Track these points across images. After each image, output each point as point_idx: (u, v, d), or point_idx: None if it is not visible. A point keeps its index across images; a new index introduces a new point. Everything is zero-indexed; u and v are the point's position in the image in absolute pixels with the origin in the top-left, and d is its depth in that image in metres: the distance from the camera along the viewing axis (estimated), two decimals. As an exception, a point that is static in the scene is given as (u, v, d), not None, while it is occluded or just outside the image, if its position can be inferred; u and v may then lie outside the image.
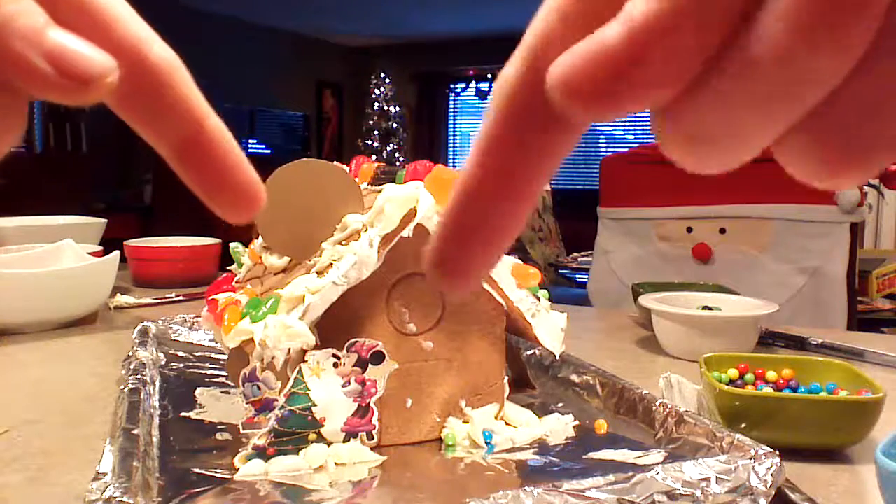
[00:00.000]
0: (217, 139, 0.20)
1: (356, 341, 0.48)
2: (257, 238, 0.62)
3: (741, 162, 0.15)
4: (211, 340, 0.75)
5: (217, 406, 0.56)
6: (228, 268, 0.68)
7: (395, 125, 6.24)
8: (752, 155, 0.15)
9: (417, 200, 0.48)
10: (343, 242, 0.49)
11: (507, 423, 0.52)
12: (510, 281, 0.52)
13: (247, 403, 0.47)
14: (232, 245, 0.68)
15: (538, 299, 0.53)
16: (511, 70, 0.16)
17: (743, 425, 0.50)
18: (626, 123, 6.18)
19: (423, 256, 0.17)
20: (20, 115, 0.18)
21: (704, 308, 0.81)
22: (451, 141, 7.06)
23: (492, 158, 0.16)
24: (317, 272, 0.48)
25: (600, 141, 6.59)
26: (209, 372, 0.65)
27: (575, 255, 3.10)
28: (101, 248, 1.08)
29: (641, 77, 0.13)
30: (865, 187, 1.42)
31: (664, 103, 0.14)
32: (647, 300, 0.80)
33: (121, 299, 1.00)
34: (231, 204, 0.20)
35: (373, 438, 0.48)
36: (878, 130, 0.14)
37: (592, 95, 0.13)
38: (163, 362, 0.67)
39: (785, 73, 0.13)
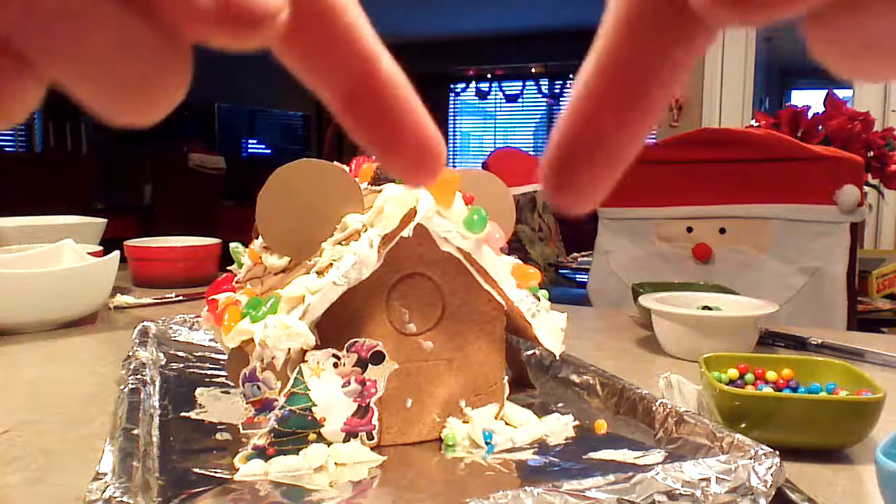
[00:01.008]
0: (391, 85, 0.17)
1: (356, 341, 0.48)
2: (257, 238, 0.62)
3: (891, 74, 0.13)
4: (211, 340, 0.75)
5: (217, 406, 0.56)
6: (228, 268, 0.68)
7: (395, 125, 6.23)
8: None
9: (417, 200, 0.48)
10: (343, 242, 0.49)
11: (507, 423, 0.52)
12: (510, 281, 0.52)
13: (247, 403, 0.47)
14: (232, 245, 0.68)
15: (538, 299, 0.53)
16: None
17: (743, 425, 0.50)
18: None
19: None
20: (185, 63, 0.15)
21: (704, 308, 0.81)
22: (451, 141, 7.06)
23: (614, 63, 0.14)
24: (317, 272, 0.48)
25: (600, 141, 6.58)
26: (209, 372, 0.65)
27: (575, 255, 3.09)
28: (101, 248, 1.08)
29: None
30: (865, 187, 1.42)
31: (825, 6, 0.12)
32: (647, 300, 0.80)
33: (121, 299, 1.00)
34: (410, 163, 0.17)
35: (373, 438, 0.48)
36: None
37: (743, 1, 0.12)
38: (163, 362, 0.67)
39: None
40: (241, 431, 0.48)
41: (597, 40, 0.15)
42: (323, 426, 0.46)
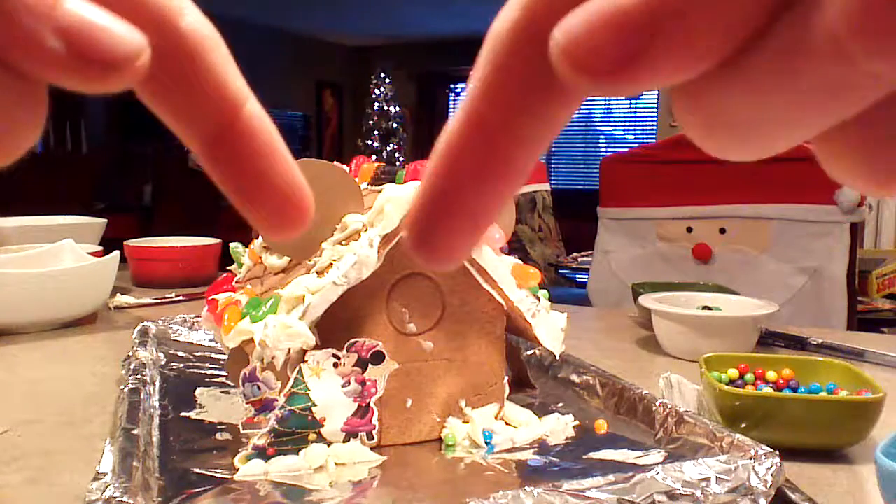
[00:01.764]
0: (255, 131, 0.16)
1: (356, 341, 0.48)
2: (257, 238, 0.62)
3: (768, 154, 0.13)
4: (211, 340, 0.75)
5: (217, 406, 0.56)
6: (228, 268, 0.68)
7: (395, 125, 6.24)
8: (781, 148, 0.13)
9: (417, 200, 0.48)
10: (343, 242, 0.49)
11: (507, 423, 0.52)
12: (510, 281, 0.52)
13: (247, 403, 0.47)
14: (232, 245, 0.68)
15: (538, 299, 0.53)
16: (505, 23, 0.13)
17: (743, 425, 0.50)
18: (626, 123, 6.18)
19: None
20: (38, 105, 0.14)
21: (704, 308, 0.81)
22: (451, 141, 7.05)
23: (476, 126, 0.14)
24: (317, 272, 0.48)
25: (600, 141, 6.59)
26: (209, 372, 0.65)
27: (575, 255, 3.09)
28: (101, 248, 1.08)
29: (663, 51, 0.11)
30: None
31: (687, 80, 0.12)
32: (647, 300, 0.80)
33: (121, 299, 1.00)
34: (270, 213, 0.16)
35: (373, 438, 0.48)
36: None
37: (603, 69, 0.11)
38: (163, 362, 0.67)
39: (836, 70, 0.11)
40: (241, 431, 0.48)
41: (462, 97, 0.14)
42: (323, 426, 0.46)
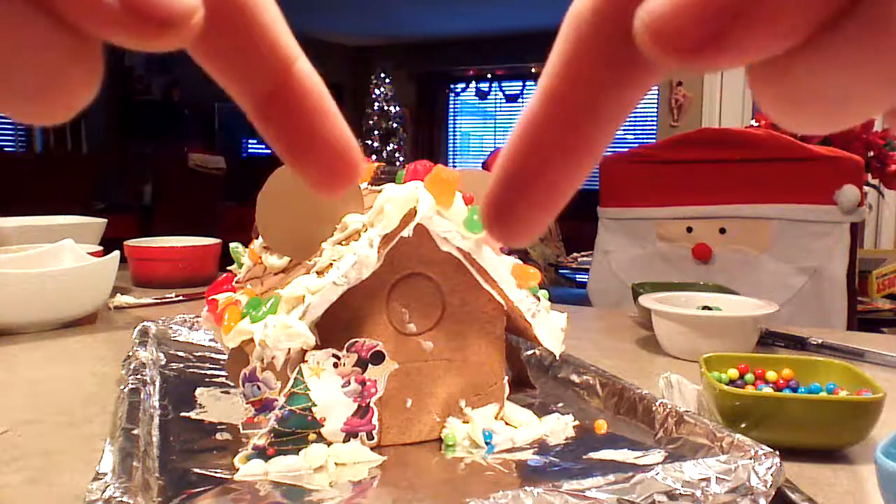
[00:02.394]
0: (306, 89, 0.16)
1: (356, 341, 0.48)
2: (257, 238, 0.62)
3: (844, 127, 0.13)
4: (211, 340, 0.75)
5: (217, 406, 0.56)
6: (228, 268, 0.68)
7: (395, 125, 6.24)
8: (858, 122, 0.13)
9: (417, 200, 0.48)
10: (343, 242, 0.49)
11: (507, 423, 0.52)
12: (510, 281, 0.52)
13: (247, 403, 0.47)
14: (232, 245, 0.68)
15: (538, 299, 0.53)
16: (585, 2, 0.14)
17: (743, 425, 0.50)
18: (627, 123, 6.17)
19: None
20: (94, 63, 0.14)
21: (704, 308, 0.81)
22: (451, 141, 7.06)
23: (556, 104, 0.14)
24: (317, 272, 0.48)
25: (600, 141, 6.58)
26: (209, 372, 0.65)
27: (575, 255, 3.09)
28: (101, 248, 1.08)
29: (749, 30, 0.11)
30: (865, 187, 1.42)
31: (769, 58, 0.12)
32: (647, 300, 0.80)
33: (121, 299, 1.00)
34: (322, 170, 0.17)
35: (373, 438, 0.48)
36: None
37: (689, 48, 0.12)
38: (163, 362, 0.67)
39: None
40: (241, 431, 0.48)
41: (542, 76, 0.14)
42: (323, 426, 0.46)
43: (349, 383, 0.47)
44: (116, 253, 0.94)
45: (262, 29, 0.15)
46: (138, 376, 0.56)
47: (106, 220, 1.34)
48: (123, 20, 0.13)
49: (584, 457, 0.47)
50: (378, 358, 0.48)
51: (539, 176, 0.15)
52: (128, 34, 0.13)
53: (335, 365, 0.47)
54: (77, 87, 0.14)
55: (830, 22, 0.12)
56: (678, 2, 0.12)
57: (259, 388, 0.47)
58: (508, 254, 0.54)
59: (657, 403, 0.51)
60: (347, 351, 0.47)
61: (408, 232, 0.48)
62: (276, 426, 0.45)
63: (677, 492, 0.39)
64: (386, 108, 6.22)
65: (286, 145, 0.16)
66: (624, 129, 6.13)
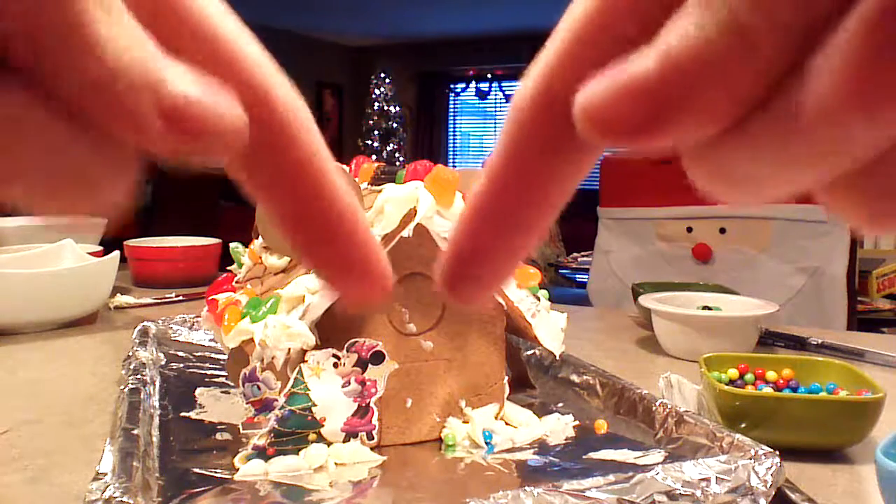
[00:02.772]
0: (342, 209, 0.16)
1: (356, 341, 0.48)
2: (257, 238, 0.62)
3: (769, 201, 0.14)
4: (211, 340, 0.75)
5: (217, 406, 0.56)
6: (228, 268, 0.68)
7: (395, 125, 6.25)
8: (782, 197, 0.14)
9: (417, 200, 0.48)
10: (343, 242, 0.49)
11: (507, 423, 0.52)
12: (510, 281, 0.52)
13: (247, 403, 0.47)
14: (232, 245, 0.68)
15: (538, 299, 0.53)
16: (526, 91, 0.15)
17: (743, 425, 0.50)
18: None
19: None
20: (128, 165, 0.14)
21: (704, 308, 0.81)
22: (451, 141, 7.06)
23: (505, 183, 0.15)
24: (317, 272, 0.48)
25: (600, 141, 6.58)
26: (209, 372, 0.65)
27: (575, 255, 3.10)
28: (101, 248, 1.08)
29: (678, 116, 0.12)
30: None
31: (701, 140, 0.13)
32: (647, 300, 0.80)
33: (121, 299, 1.00)
34: (352, 288, 0.17)
35: (373, 438, 0.48)
36: None
37: (625, 132, 0.13)
38: (163, 362, 0.67)
39: (825, 134, 0.12)
40: (241, 431, 0.48)
41: (488, 160, 0.16)
42: (323, 426, 0.46)
43: (349, 383, 0.47)
44: (116, 253, 0.94)
45: (295, 146, 0.15)
46: (138, 376, 0.56)
47: (106, 220, 1.34)
48: (170, 141, 0.13)
49: (584, 457, 0.47)
50: (378, 358, 0.48)
51: (490, 249, 0.16)
52: (172, 151, 0.13)
53: (335, 365, 0.47)
54: (107, 189, 0.14)
55: (749, 112, 0.13)
56: (614, 90, 0.13)
57: (259, 388, 0.47)
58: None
59: (657, 403, 0.51)
60: (347, 351, 0.47)
61: (408, 232, 0.48)
62: (276, 426, 0.45)
63: (677, 492, 0.39)
64: (386, 108, 6.22)
65: (313, 260, 0.17)
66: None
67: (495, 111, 6.94)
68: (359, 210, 0.17)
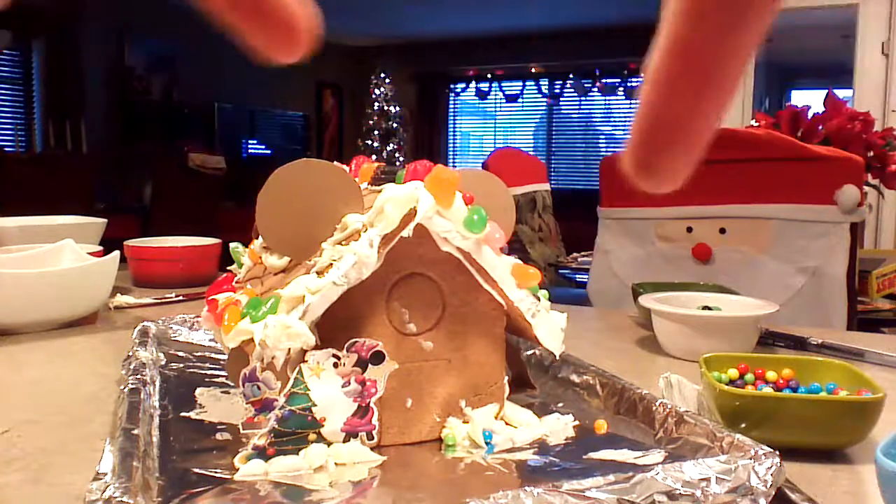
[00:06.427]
0: None
1: (356, 341, 0.48)
2: (257, 238, 0.62)
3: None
4: (211, 340, 0.75)
5: (217, 406, 0.56)
6: (228, 268, 0.68)
7: (395, 125, 6.25)
8: None
9: (417, 200, 0.48)
10: (343, 242, 0.49)
11: (507, 423, 0.52)
12: (510, 281, 0.52)
13: (247, 403, 0.47)
14: (232, 245, 0.68)
15: (538, 299, 0.53)
16: None
17: (743, 425, 0.50)
18: (626, 123, 6.17)
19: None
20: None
21: (704, 308, 0.81)
22: (451, 141, 7.06)
23: (683, 52, 0.15)
24: (317, 272, 0.48)
25: (600, 141, 6.58)
26: (209, 372, 0.65)
27: (575, 255, 3.09)
28: (101, 248, 1.08)
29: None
30: (865, 187, 1.42)
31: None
32: (647, 300, 0.80)
33: (121, 299, 1.00)
34: (275, 35, 0.17)
35: (373, 438, 0.48)
36: None
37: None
38: (163, 362, 0.67)
39: None
40: (241, 431, 0.48)
41: (662, 28, 0.15)
42: (323, 426, 0.46)
43: (349, 383, 0.47)
44: (116, 253, 0.94)
45: None
46: (138, 376, 0.56)
47: (106, 220, 1.34)
48: None
49: (584, 457, 0.47)
50: (378, 358, 0.48)
51: (677, 123, 0.16)
52: None
53: (335, 365, 0.47)
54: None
55: None
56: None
57: (259, 388, 0.47)
58: (508, 254, 0.54)
59: (657, 403, 0.51)
60: (347, 351, 0.47)
61: (408, 232, 0.48)
62: (276, 426, 0.45)
63: (677, 492, 0.39)
64: (386, 108, 6.22)
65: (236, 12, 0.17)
66: (624, 130, 6.12)
67: (495, 111, 6.93)
68: None
